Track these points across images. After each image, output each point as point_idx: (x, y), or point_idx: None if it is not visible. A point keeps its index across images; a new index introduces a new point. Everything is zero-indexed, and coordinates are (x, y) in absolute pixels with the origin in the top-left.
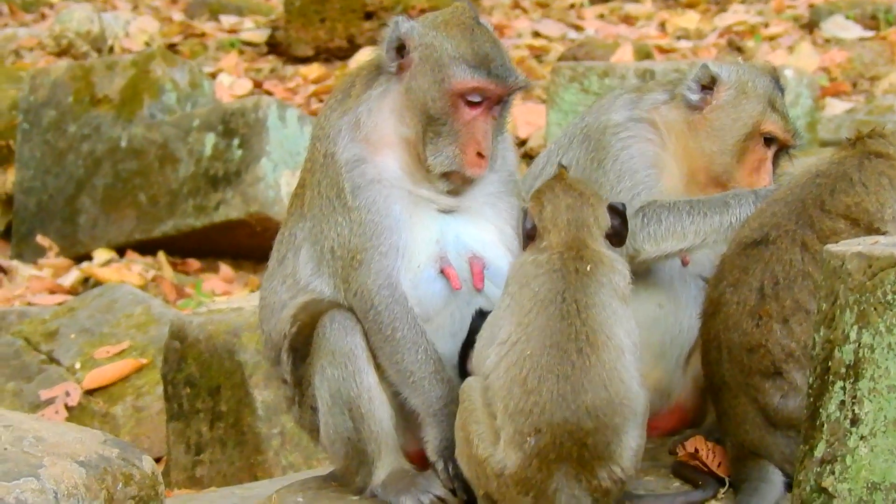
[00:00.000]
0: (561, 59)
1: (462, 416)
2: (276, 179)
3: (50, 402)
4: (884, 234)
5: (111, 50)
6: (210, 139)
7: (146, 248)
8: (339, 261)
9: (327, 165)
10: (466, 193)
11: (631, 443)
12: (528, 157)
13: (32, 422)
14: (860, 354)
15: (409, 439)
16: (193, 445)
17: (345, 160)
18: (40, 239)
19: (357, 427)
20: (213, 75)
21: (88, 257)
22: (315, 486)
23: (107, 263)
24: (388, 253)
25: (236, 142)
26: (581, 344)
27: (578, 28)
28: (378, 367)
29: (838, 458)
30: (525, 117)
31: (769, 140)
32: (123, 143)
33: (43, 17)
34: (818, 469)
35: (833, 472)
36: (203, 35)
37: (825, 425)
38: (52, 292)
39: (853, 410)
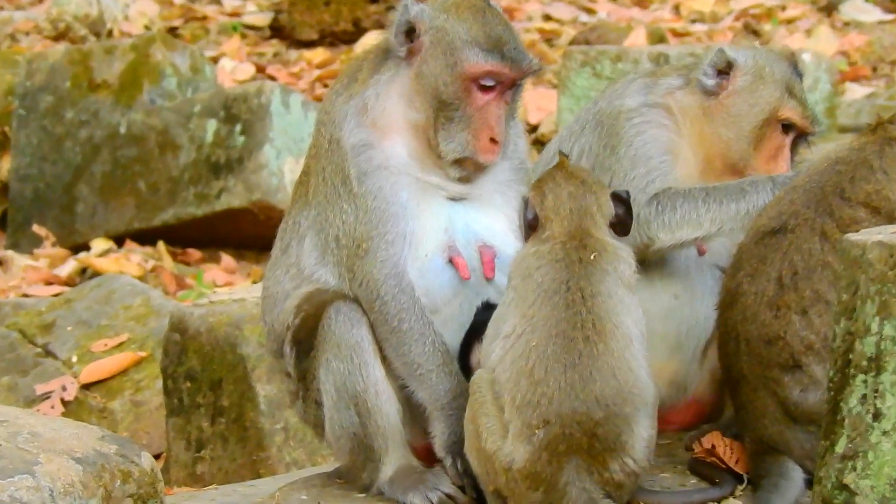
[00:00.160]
0: (572, 42)
1: (472, 408)
2: (280, 167)
3: (46, 396)
4: None
5: (110, 34)
6: (212, 125)
7: (145, 237)
8: (344, 249)
9: (332, 151)
10: (476, 181)
11: (643, 433)
12: (539, 144)
13: (28, 417)
14: (882, 347)
15: (417, 434)
16: (194, 441)
17: (351, 145)
18: (36, 228)
19: (363, 422)
20: (215, 60)
21: (86, 247)
22: (319, 484)
23: (105, 253)
24: (394, 241)
25: (238, 128)
26: (588, 332)
27: (590, 11)
28: (385, 360)
29: (860, 454)
30: (536, 103)
31: (787, 127)
32: (122, 130)
33: (40, 0)
34: (839, 465)
35: (855, 469)
36: (204, 18)
37: (846, 420)
38: (49, 283)
39: (875, 405)
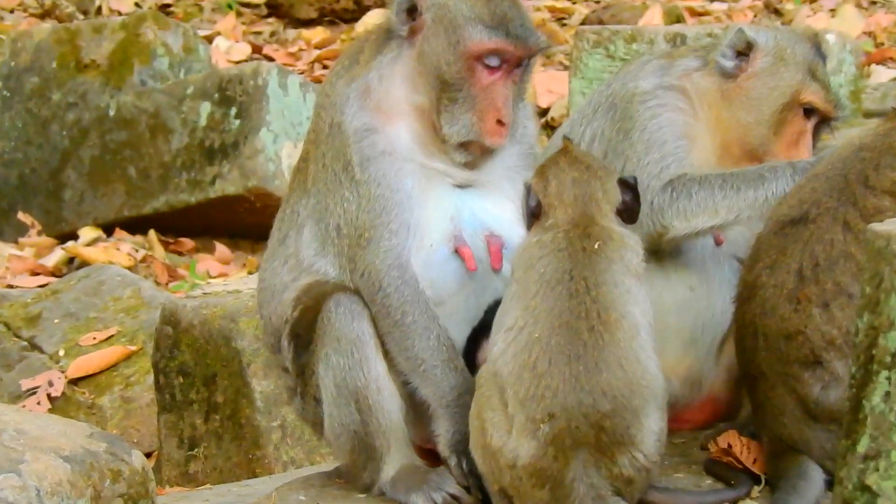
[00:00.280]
0: (585, 22)
1: (478, 403)
2: (277, 152)
3: (32, 392)
4: None
5: (98, 11)
6: (205, 108)
7: (136, 225)
8: (345, 239)
9: (333, 136)
10: (484, 166)
11: (653, 426)
12: (550, 128)
13: (13, 413)
14: None
15: (420, 433)
16: (187, 439)
17: (353, 129)
18: (21, 216)
19: (364, 420)
20: (209, 39)
21: (74, 236)
22: (318, 484)
23: (93, 242)
24: (398, 231)
25: (234, 111)
26: (593, 322)
27: None
28: (387, 355)
29: (883, 454)
30: (546, 85)
31: (809, 111)
32: (112, 113)
33: None
34: (861, 465)
35: (877, 469)
36: None
37: (869, 418)
38: (35, 273)
39: None
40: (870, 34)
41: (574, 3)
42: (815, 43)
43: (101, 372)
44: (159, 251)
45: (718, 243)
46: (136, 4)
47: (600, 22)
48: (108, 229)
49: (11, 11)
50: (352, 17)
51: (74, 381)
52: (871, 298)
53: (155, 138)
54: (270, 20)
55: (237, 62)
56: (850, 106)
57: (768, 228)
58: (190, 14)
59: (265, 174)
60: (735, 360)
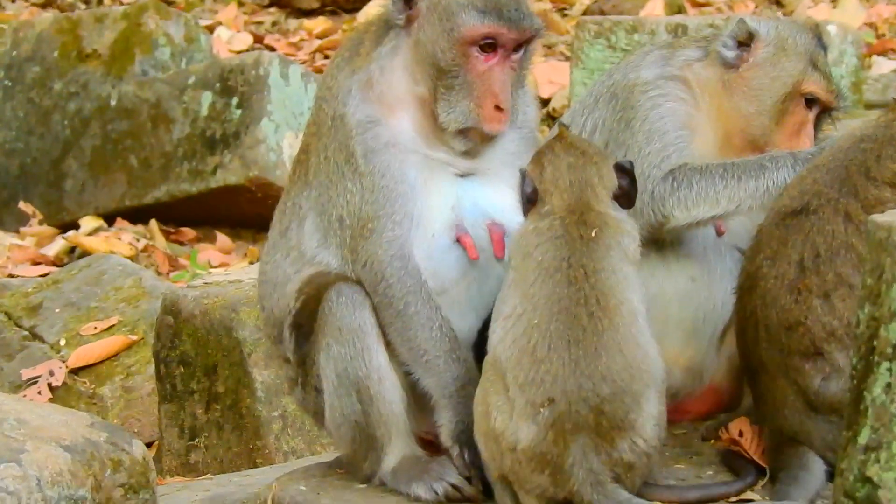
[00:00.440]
0: (586, 12)
1: (483, 387)
2: (278, 142)
3: (32, 381)
4: None
5: (100, 1)
6: (207, 98)
7: (137, 215)
8: (348, 230)
9: (336, 128)
10: (485, 154)
11: (652, 410)
12: (551, 119)
13: (14, 403)
14: None
15: (421, 423)
16: (187, 429)
17: (356, 121)
18: (23, 205)
19: (365, 410)
20: (211, 29)
21: (75, 225)
22: (319, 474)
23: (94, 232)
24: (401, 222)
25: (235, 101)
26: (592, 308)
27: None
28: (388, 345)
29: (884, 446)
30: (548, 76)
31: (810, 101)
32: (113, 102)
33: None
34: (862, 457)
35: (878, 461)
36: None
37: (870, 410)
38: (36, 263)
39: None
40: (871, 25)
41: None
42: (816, 33)
43: (102, 362)
44: (160, 241)
45: (720, 234)
46: None
47: (602, 12)
48: (110, 219)
49: (13, 1)
50: (353, 7)
51: (75, 371)
52: (872, 289)
53: (156, 128)
54: (272, 10)
55: (239, 52)
56: (851, 97)
57: (769, 219)
58: (191, 4)
59: (266, 164)
60: (736, 352)
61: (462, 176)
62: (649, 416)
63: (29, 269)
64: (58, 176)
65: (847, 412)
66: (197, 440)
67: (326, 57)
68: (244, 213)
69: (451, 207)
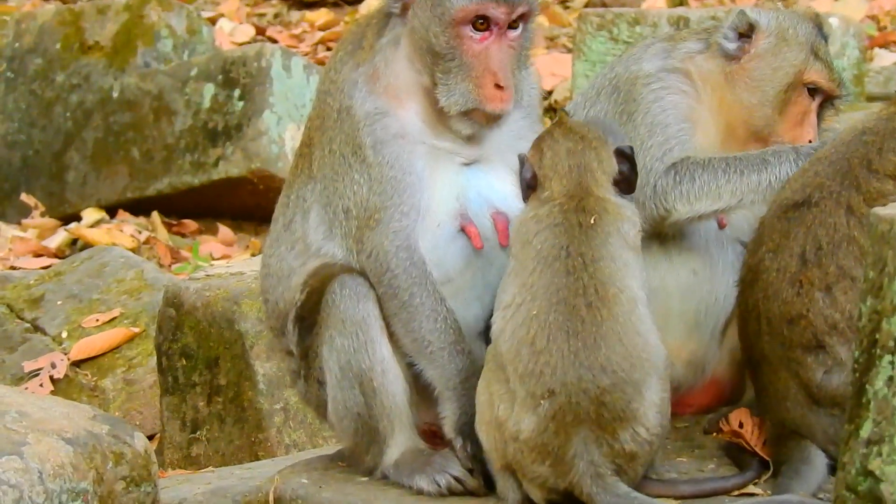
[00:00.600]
0: (588, 5)
1: (485, 376)
2: (281, 134)
3: (34, 374)
4: None
5: None
6: (209, 90)
7: (139, 207)
8: (353, 221)
9: (342, 121)
10: (490, 138)
11: (654, 398)
12: (553, 111)
13: (15, 395)
14: None
15: (423, 416)
16: (189, 422)
17: (364, 113)
18: (24, 197)
19: (368, 402)
20: (213, 21)
21: (77, 217)
22: (321, 467)
23: (96, 224)
24: (408, 213)
25: (237, 93)
26: (590, 298)
27: None
28: (392, 337)
29: (886, 439)
30: (550, 68)
31: (813, 90)
32: (115, 94)
33: None
34: (864, 450)
35: (880, 454)
36: None
37: (872, 403)
38: (37, 255)
39: None
40: (873, 18)
41: None
42: (817, 23)
43: (104, 354)
44: (162, 233)
45: (722, 227)
46: None
47: (604, 5)
48: (112, 211)
49: None
50: None
51: (77, 364)
52: (874, 283)
53: (158, 120)
54: (274, 2)
55: (241, 44)
56: (853, 89)
57: (772, 212)
58: None
59: (268, 156)
60: (738, 345)
61: (467, 164)
62: (651, 404)
63: (31, 261)
64: (60, 168)
65: (849, 405)
66: (199, 433)
67: (328, 49)
68: (246, 206)
69: (455, 197)
